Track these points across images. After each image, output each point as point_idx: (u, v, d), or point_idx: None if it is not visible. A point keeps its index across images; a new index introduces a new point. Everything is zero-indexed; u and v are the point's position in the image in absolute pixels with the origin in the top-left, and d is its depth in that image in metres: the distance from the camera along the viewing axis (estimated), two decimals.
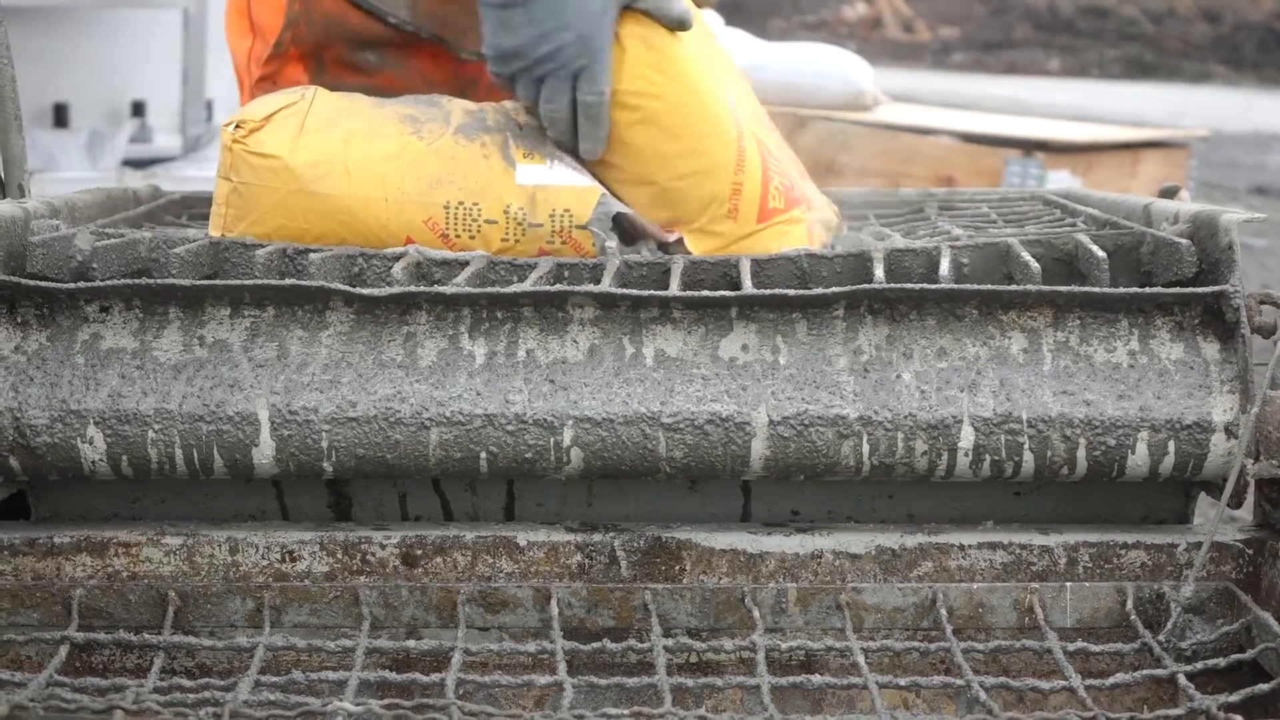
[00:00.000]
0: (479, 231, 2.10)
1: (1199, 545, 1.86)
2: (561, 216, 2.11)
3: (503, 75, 2.17)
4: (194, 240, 1.98)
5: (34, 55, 6.82)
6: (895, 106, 8.98)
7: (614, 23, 2.15)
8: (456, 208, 2.10)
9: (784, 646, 1.81)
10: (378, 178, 2.11)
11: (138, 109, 7.60)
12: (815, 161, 7.48)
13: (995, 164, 7.37)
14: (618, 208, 2.14)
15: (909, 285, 1.84)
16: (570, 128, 2.16)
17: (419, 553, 1.85)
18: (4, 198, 2.22)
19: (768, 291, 1.83)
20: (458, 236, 2.10)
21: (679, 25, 2.18)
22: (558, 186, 2.12)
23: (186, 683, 1.69)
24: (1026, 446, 1.82)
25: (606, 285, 1.87)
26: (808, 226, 2.21)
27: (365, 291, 1.82)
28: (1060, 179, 7.10)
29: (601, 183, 2.16)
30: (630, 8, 2.16)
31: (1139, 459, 1.83)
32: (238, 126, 2.11)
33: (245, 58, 2.50)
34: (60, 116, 7.42)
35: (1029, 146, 7.45)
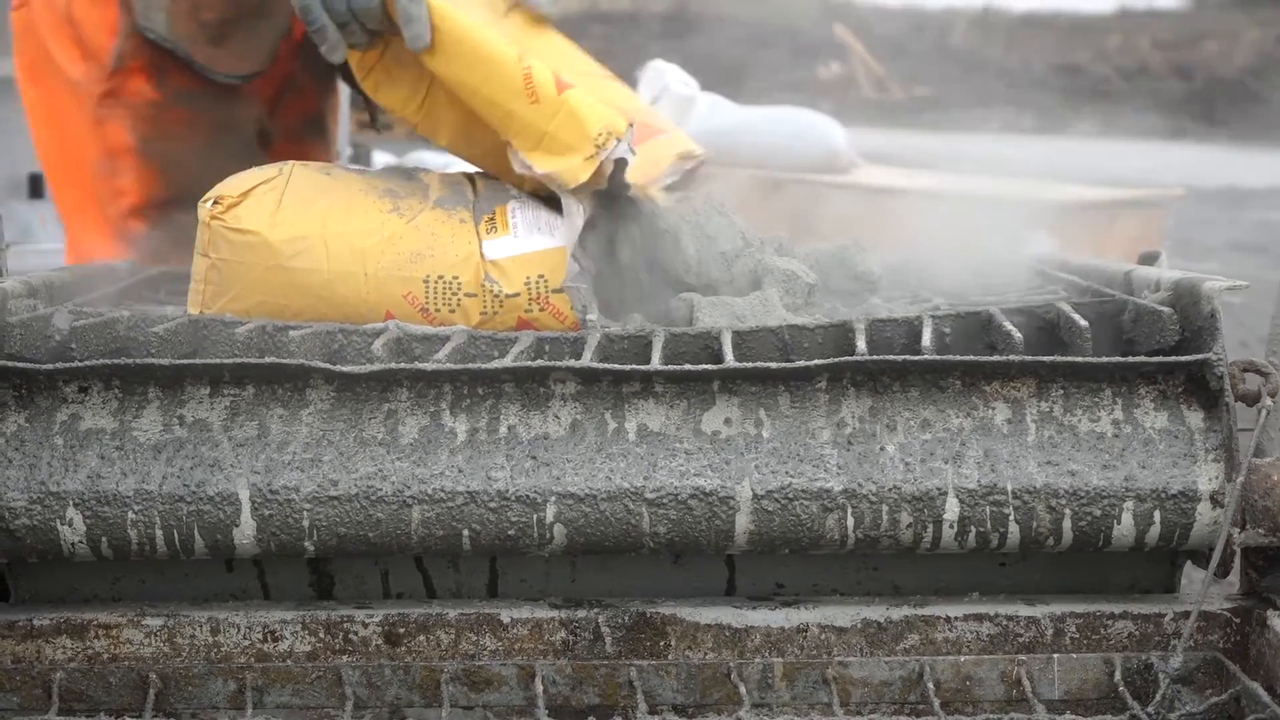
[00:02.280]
0: (459, 305, 2.09)
1: (1186, 615, 1.85)
2: (536, 283, 2.10)
3: None
4: (173, 318, 1.97)
5: (7, 126, 6.80)
6: (871, 168, 9.00)
7: None
8: (436, 281, 2.09)
9: None
10: (356, 253, 2.10)
11: None
12: (792, 223, 7.48)
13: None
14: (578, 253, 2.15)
15: (891, 357, 1.83)
16: (382, 16, 2.19)
17: (402, 631, 1.84)
18: None
19: (750, 365, 1.83)
20: (437, 310, 2.09)
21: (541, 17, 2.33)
22: (527, 254, 2.11)
23: None
24: (1012, 518, 1.81)
25: (588, 360, 1.86)
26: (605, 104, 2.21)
27: (345, 369, 1.82)
28: (1037, 239, 7.11)
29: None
30: None
31: (1125, 529, 1.82)
32: (215, 203, 2.10)
33: (84, 78, 2.58)
34: (36, 187, 7.40)
35: (1006, 207, 7.46)
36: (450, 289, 2.09)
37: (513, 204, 2.18)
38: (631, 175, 2.26)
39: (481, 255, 2.10)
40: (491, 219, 2.15)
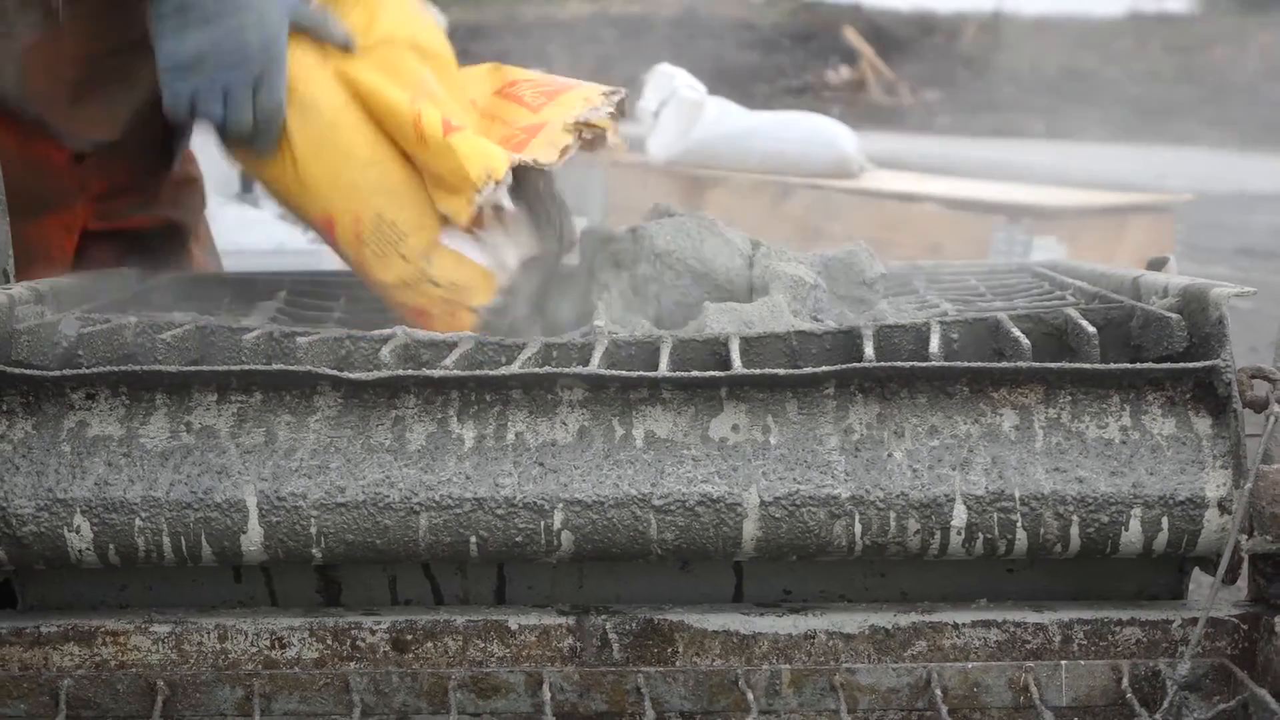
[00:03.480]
0: (387, 254, 2.18)
1: (1194, 621, 1.85)
2: (460, 290, 2.18)
3: (182, 95, 2.20)
4: (180, 325, 1.97)
5: None
6: (881, 173, 9.00)
7: (287, 35, 2.23)
8: (387, 225, 2.17)
9: None
10: (353, 146, 2.20)
11: None
12: (802, 229, 7.49)
13: (982, 231, 7.37)
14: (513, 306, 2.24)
15: (899, 364, 1.83)
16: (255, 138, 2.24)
17: (409, 638, 1.83)
18: None
19: (758, 371, 1.82)
20: (365, 246, 2.18)
21: (344, 47, 2.27)
22: (471, 260, 2.19)
23: None
24: (1019, 524, 1.81)
25: (595, 367, 1.86)
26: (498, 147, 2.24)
27: (353, 376, 1.81)
28: (1046, 245, 7.11)
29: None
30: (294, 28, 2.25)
31: (1133, 536, 1.81)
32: None
33: None
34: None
35: (1015, 213, 7.45)
36: (390, 238, 2.17)
37: (490, 210, 2.21)
38: (569, 111, 2.31)
39: (438, 233, 2.17)
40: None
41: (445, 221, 2.20)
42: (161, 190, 2.76)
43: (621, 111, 2.35)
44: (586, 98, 2.34)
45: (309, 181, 2.22)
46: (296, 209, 2.29)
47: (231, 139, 2.27)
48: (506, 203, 2.17)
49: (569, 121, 2.26)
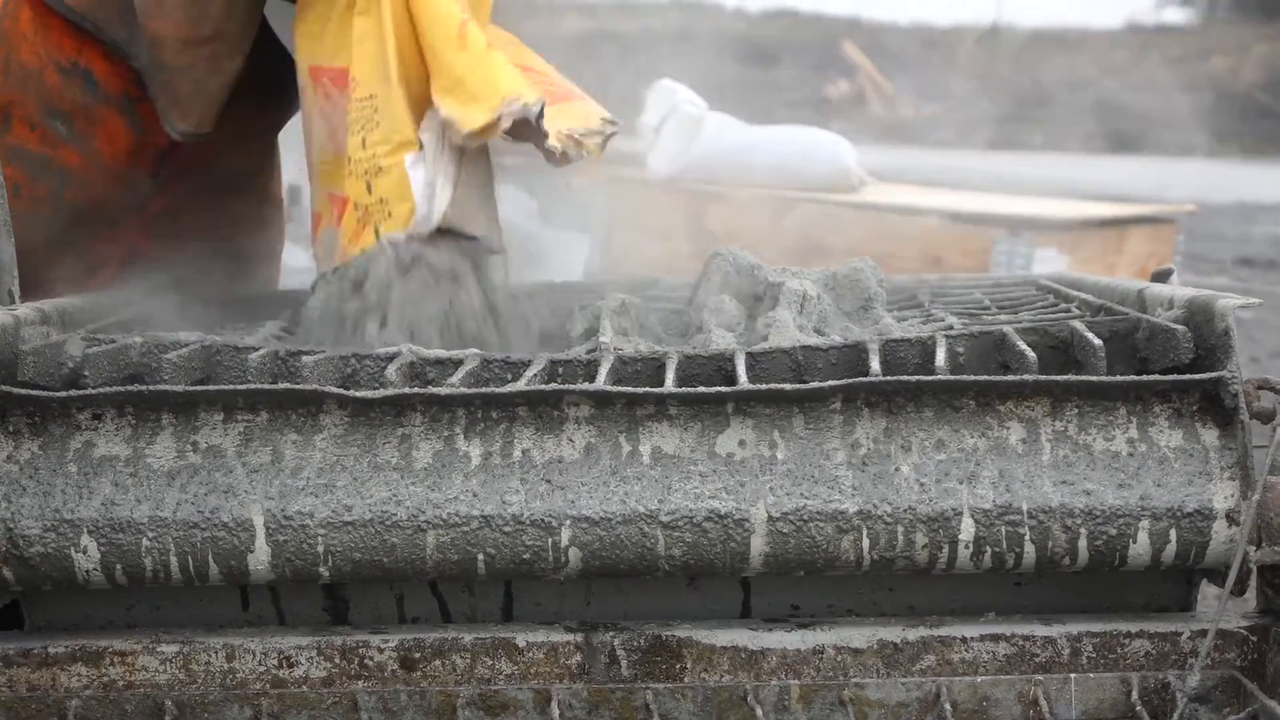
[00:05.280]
0: (355, 132, 2.27)
1: (1203, 633, 1.85)
2: (383, 208, 2.26)
3: None
4: (186, 344, 1.97)
5: None
6: (881, 187, 8.99)
7: None
8: (371, 109, 2.28)
9: None
10: (383, 27, 2.28)
11: None
12: (804, 243, 7.48)
13: (983, 243, 7.35)
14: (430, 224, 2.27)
15: (905, 378, 1.83)
16: None
17: (417, 656, 1.83)
18: None
19: (764, 386, 1.82)
20: (349, 110, 2.29)
21: None
22: (410, 195, 2.25)
23: None
24: (1027, 538, 1.80)
25: (601, 383, 1.86)
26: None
27: (359, 394, 1.81)
28: (1047, 257, 7.09)
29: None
30: None
31: (1140, 548, 1.81)
32: None
33: None
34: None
35: (1016, 225, 7.43)
36: (367, 121, 2.27)
37: (446, 155, 2.29)
38: (567, 121, 2.32)
39: (405, 151, 2.25)
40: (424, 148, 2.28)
41: (418, 147, 2.25)
42: (221, 221, 2.77)
43: (604, 145, 2.38)
44: (586, 116, 2.35)
45: (357, 30, 2.28)
46: (332, 49, 2.34)
47: None
48: (531, 116, 2.20)
49: (562, 130, 2.27)
